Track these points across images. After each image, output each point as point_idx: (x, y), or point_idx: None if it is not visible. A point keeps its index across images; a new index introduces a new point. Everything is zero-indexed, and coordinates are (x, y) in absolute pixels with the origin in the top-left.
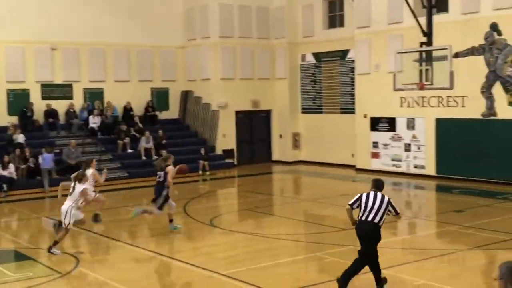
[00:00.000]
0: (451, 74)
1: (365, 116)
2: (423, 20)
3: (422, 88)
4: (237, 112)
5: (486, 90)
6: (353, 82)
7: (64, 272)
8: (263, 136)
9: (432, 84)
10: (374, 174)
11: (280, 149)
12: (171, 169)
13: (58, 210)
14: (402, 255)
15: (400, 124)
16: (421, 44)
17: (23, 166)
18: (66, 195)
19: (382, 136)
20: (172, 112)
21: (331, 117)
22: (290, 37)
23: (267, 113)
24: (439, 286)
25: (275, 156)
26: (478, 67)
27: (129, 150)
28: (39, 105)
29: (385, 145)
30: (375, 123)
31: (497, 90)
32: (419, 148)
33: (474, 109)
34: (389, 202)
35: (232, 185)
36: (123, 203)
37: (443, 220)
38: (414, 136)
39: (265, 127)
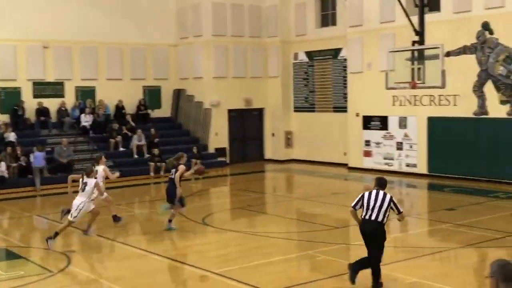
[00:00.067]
0: (443, 73)
1: (357, 115)
2: (415, 19)
3: (414, 86)
4: (230, 111)
5: (478, 89)
6: (345, 80)
7: (56, 270)
8: (256, 135)
9: (424, 82)
10: (366, 172)
11: (272, 148)
12: (182, 167)
13: (49, 208)
14: (394, 253)
15: (392, 123)
16: (413, 43)
17: (14, 165)
18: (76, 192)
19: (374, 135)
20: (164, 111)
21: (324, 115)
22: (283, 35)
23: (260, 111)
24: (431, 284)
25: (268, 154)
26: (469, 66)
27: (121, 149)
28: (30, 103)
29: (377, 143)
30: (367, 122)
31: (489, 88)
32: (411, 147)
33: (466, 108)
34: (391, 200)
35: (224, 184)
36: (115, 202)
37: (435, 218)
38: (406, 135)
39: (257, 126)
